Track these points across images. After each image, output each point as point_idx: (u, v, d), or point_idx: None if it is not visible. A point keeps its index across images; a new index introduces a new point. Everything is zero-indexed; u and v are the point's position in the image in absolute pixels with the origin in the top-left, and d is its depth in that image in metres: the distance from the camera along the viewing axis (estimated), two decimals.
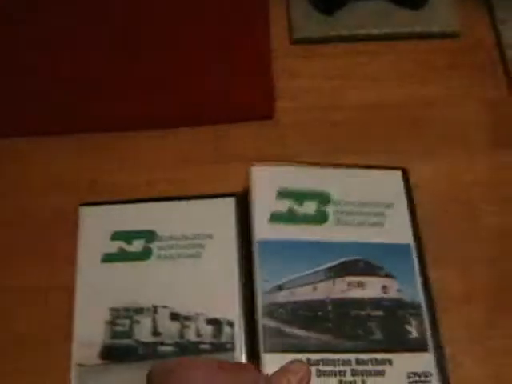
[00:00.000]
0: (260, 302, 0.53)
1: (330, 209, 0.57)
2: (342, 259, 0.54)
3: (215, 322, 0.54)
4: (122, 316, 0.54)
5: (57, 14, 0.68)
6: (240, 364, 0.49)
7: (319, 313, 0.53)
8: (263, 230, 0.55)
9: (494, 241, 0.58)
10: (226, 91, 0.64)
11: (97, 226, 0.57)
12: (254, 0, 0.68)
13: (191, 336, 0.53)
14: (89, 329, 0.54)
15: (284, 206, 0.56)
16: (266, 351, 0.51)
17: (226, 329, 0.53)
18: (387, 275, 0.54)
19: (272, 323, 0.52)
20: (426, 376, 0.51)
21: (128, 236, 0.57)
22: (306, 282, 0.54)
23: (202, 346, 0.53)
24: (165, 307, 0.54)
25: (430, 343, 0.52)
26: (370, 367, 0.51)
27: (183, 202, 0.58)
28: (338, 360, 0.51)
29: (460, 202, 0.59)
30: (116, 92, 0.65)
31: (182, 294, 0.55)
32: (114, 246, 0.57)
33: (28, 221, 0.59)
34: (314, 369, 0.50)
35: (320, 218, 0.56)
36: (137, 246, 0.57)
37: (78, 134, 0.63)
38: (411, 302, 0.53)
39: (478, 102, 0.64)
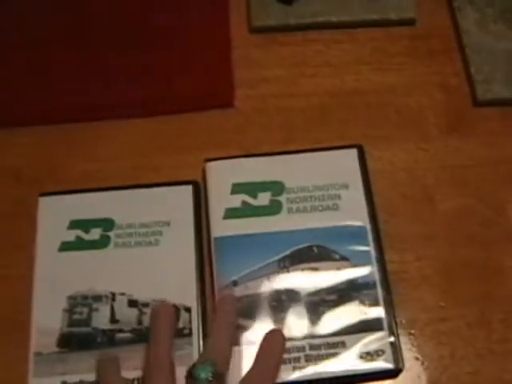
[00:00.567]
0: (217, 298, 0.53)
1: (283, 198, 0.57)
2: (295, 247, 0.55)
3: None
4: (80, 304, 0.54)
5: None
6: None
7: (273, 303, 0.53)
8: (218, 227, 0.56)
9: (449, 224, 0.59)
10: (185, 80, 0.64)
11: (55, 215, 0.58)
12: None
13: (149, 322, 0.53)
14: (47, 317, 0.54)
15: (238, 200, 0.57)
16: None
17: (184, 314, 0.54)
18: (342, 258, 0.55)
19: None
20: (379, 355, 0.51)
21: (85, 224, 0.57)
22: (260, 274, 0.54)
23: None
24: (122, 294, 0.55)
25: (385, 322, 0.53)
26: (322, 351, 0.51)
27: (141, 190, 0.59)
28: (292, 348, 0.52)
29: (416, 186, 0.60)
30: (75, 82, 0.65)
31: (139, 281, 0.55)
32: (72, 235, 0.57)
33: None
34: None
35: (274, 209, 0.57)
36: (94, 234, 0.57)
37: (37, 126, 0.63)
38: (366, 284, 0.54)
39: (434, 89, 0.65)
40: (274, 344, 0.51)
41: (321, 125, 0.63)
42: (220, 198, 0.57)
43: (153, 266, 0.56)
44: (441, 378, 0.53)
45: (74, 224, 0.57)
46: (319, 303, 0.53)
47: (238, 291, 0.54)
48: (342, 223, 0.56)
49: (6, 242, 0.58)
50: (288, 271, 0.54)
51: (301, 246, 0.55)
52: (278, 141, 0.62)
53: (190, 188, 0.58)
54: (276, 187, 0.58)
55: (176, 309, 0.54)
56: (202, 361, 0.47)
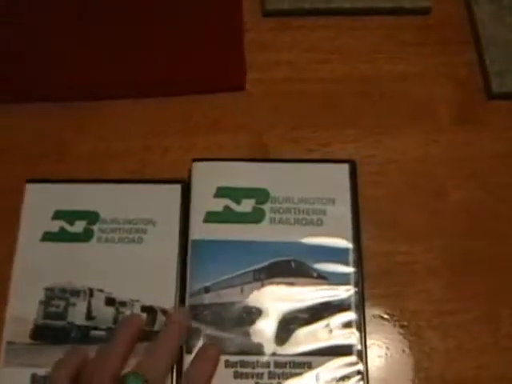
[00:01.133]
0: (186, 303, 0.53)
1: (267, 207, 0.56)
2: (273, 260, 0.54)
3: (150, 310, 0.53)
4: (57, 297, 0.54)
5: None
6: None
7: (243, 315, 0.52)
8: (197, 229, 0.55)
9: (458, 216, 0.58)
10: (198, 62, 0.63)
11: (40, 203, 0.57)
12: None
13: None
14: (22, 307, 0.53)
15: (221, 204, 0.56)
16: (186, 352, 0.51)
17: (161, 317, 0.53)
18: (319, 276, 0.53)
19: (195, 324, 0.52)
20: (344, 381, 0.50)
21: (70, 216, 0.56)
22: (233, 283, 0.53)
23: None
24: (101, 291, 0.54)
25: (355, 348, 0.51)
26: (287, 370, 0.51)
27: (129, 186, 0.58)
28: (256, 362, 0.51)
29: (427, 177, 0.59)
30: (86, 60, 0.64)
31: (119, 279, 0.54)
32: (56, 225, 0.56)
33: None
34: (231, 371, 0.51)
35: (256, 217, 0.56)
36: (78, 226, 0.56)
37: (47, 103, 0.62)
38: (340, 306, 0.53)
39: (447, 80, 0.64)
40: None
41: (332, 111, 0.62)
42: (202, 200, 0.56)
43: (134, 264, 0.55)
44: (446, 370, 0.53)
45: (59, 214, 0.56)
46: (290, 320, 0.52)
47: (209, 298, 0.53)
48: (325, 240, 0.55)
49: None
50: (263, 283, 0.53)
51: (279, 259, 0.54)
52: (289, 126, 0.62)
53: (178, 187, 0.57)
54: (261, 195, 0.56)
55: (153, 311, 0.53)
56: (134, 372, 0.47)
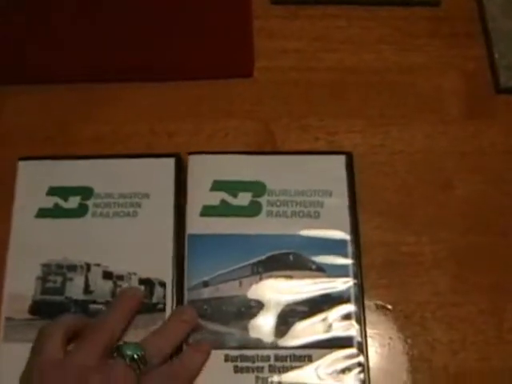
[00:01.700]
0: (185, 298, 0.53)
1: (264, 200, 0.56)
2: (271, 253, 0.54)
3: (148, 282, 0.54)
4: (54, 272, 0.54)
5: None
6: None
7: (242, 309, 0.52)
8: (194, 223, 0.55)
9: (465, 209, 0.58)
10: (207, 48, 0.63)
11: (34, 180, 0.57)
12: None
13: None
14: (20, 283, 0.54)
15: (217, 198, 0.56)
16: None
17: (158, 289, 0.54)
18: (318, 269, 0.54)
19: None
20: (345, 373, 0.51)
21: (64, 192, 0.56)
22: (232, 277, 0.53)
23: None
24: (98, 265, 0.54)
25: (355, 340, 0.52)
26: (288, 363, 0.51)
27: (122, 161, 0.58)
28: (256, 356, 0.51)
29: (434, 169, 0.60)
30: (94, 43, 0.63)
31: (115, 253, 0.55)
32: (50, 202, 0.56)
33: None
34: (231, 365, 0.51)
35: (253, 210, 0.55)
36: (73, 202, 0.56)
37: (53, 84, 0.62)
38: (339, 298, 0.53)
39: (456, 72, 0.63)
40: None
41: (339, 100, 0.62)
42: (199, 194, 0.56)
43: (130, 237, 0.55)
44: (450, 362, 0.53)
45: (53, 191, 0.56)
46: (289, 313, 0.52)
47: (208, 292, 0.53)
48: (322, 233, 0.55)
49: None
50: (261, 277, 0.53)
51: (277, 252, 0.54)
52: (296, 114, 0.62)
53: (172, 161, 0.57)
54: (257, 188, 0.56)
55: (151, 283, 0.53)
56: (133, 343, 0.48)
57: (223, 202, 0.55)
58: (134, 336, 0.50)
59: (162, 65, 0.63)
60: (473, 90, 0.63)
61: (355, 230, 0.55)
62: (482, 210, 0.58)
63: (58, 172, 0.57)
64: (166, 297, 0.53)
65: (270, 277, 0.53)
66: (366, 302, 0.54)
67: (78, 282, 0.54)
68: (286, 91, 0.62)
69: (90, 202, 0.56)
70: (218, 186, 0.56)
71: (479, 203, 0.58)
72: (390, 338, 0.54)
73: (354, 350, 0.51)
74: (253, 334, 0.52)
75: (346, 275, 0.53)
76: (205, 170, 0.57)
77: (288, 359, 0.51)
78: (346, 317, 0.52)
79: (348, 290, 0.53)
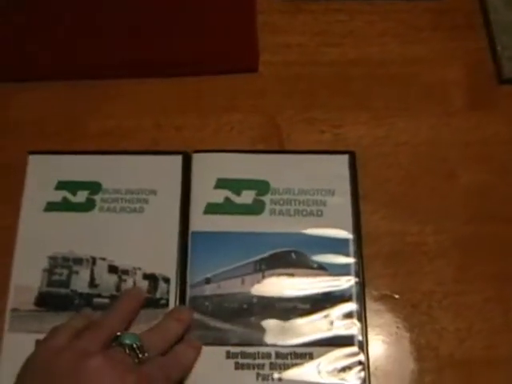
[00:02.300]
0: (188, 294, 0.53)
1: (267, 198, 0.56)
2: (274, 251, 0.54)
3: (152, 278, 0.54)
4: (60, 265, 0.55)
5: None
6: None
7: (244, 306, 0.53)
8: (198, 221, 0.55)
9: (469, 199, 0.59)
10: (212, 43, 0.64)
11: (43, 174, 0.58)
12: None
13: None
14: (26, 275, 0.54)
15: (221, 196, 0.56)
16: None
17: (162, 285, 0.54)
18: (320, 267, 0.54)
19: (196, 316, 0.53)
20: (345, 371, 0.51)
21: (73, 186, 0.57)
22: (234, 274, 0.54)
23: None
24: (103, 259, 0.55)
25: (356, 338, 0.52)
26: (289, 360, 0.51)
27: (131, 157, 0.58)
28: (258, 353, 0.51)
29: (438, 160, 0.60)
30: (98, 39, 0.64)
31: (121, 248, 0.55)
32: (58, 196, 0.57)
33: None
34: (232, 362, 0.51)
35: (257, 209, 0.56)
36: (81, 196, 0.57)
37: (58, 81, 0.63)
38: (341, 296, 0.53)
39: (459, 64, 0.64)
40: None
41: (344, 94, 0.63)
42: (203, 192, 0.56)
43: (136, 233, 0.56)
44: (457, 350, 0.53)
45: (62, 185, 0.57)
46: (291, 311, 0.53)
47: (210, 289, 0.53)
48: (325, 231, 0.55)
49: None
50: (263, 274, 0.54)
51: (279, 250, 0.54)
52: (301, 107, 0.62)
53: (179, 158, 0.58)
54: (261, 186, 0.57)
55: (155, 278, 0.54)
56: (131, 333, 0.49)
57: (227, 199, 0.56)
58: (136, 330, 0.51)
59: (168, 60, 0.63)
60: (476, 81, 0.63)
61: (357, 229, 0.55)
62: (486, 199, 0.59)
63: (67, 167, 0.58)
64: (170, 292, 0.54)
65: (273, 274, 0.54)
66: (373, 292, 0.54)
67: (84, 275, 0.54)
68: (291, 85, 0.63)
69: (97, 197, 0.57)
70: (221, 183, 0.56)
71: (483, 193, 0.59)
72: (398, 327, 0.54)
73: (355, 349, 0.52)
74: (254, 331, 0.52)
75: (348, 274, 0.54)
76: (209, 167, 0.57)
77: (289, 357, 0.51)
78: (348, 315, 0.53)
79: (350, 288, 0.53)
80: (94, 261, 0.55)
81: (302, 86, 0.63)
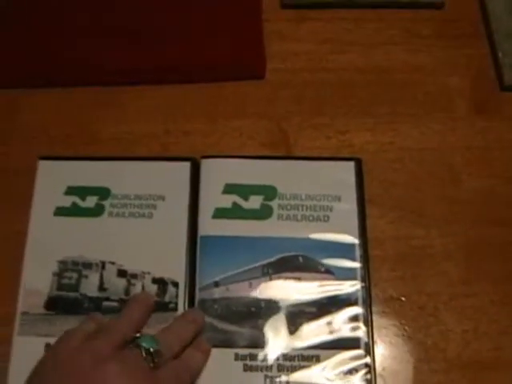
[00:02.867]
0: (196, 297, 0.54)
1: (275, 203, 0.57)
2: (281, 255, 0.55)
3: (161, 282, 0.55)
4: (70, 269, 0.55)
5: None
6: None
7: (252, 309, 0.53)
8: (206, 225, 0.56)
9: (474, 203, 0.60)
10: (220, 51, 0.65)
11: (53, 179, 0.58)
12: None
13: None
14: (36, 279, 0.55)
15: (229, 201, 0.57)
16: None
17: (171, 289, 0.55)
18: (326, 271, 0.55)
19: (205, 318, 0.53)
20: (352, 374, 0.52)
21: (82, 191, 0.58)
22: (242, 278, 0.54)
23: None
24: (112, 263, 0.55)
25: (362, 341, 0.53)
26: (296, 363, 0.52)
27: (139, 162, 0.59)
28: (265, 355, 0.52)
29: (443, 165, 0.61)
30: (110, 47, 0.65)
31: (130, 252, 0.56)
32: (68, 201, 0.58)
33: None
34: (241, 364, 0.52)
35: (264, 214, 0.57)
36: (90, 202, 0.58)
37: (72, 87, 0.64)
38: (347, 300, 0.54)
39: (462, 71, 0.65)
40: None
41: (349, 100, 0.64)
42: (211, 197, 0.57)
43: (144, 238, 0.57)
44: (463, 352, 0.54)
45: (71, 190, 0.58)
46: (298, 314, 0.53)
47: (219, 292, 0.54)
48: (331, 236, 0.56)
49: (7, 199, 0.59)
50: (271, 278, 0.54)
51: (286, 255, 0.55)
52: (307, 113, 0.63)
53: (188, 164, 0.59)
54: (269, 191, 0.57)
55: (164, 282, 0.55)
56: (150, 335, 0.49)
57: (235, 204, 0.57)
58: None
59: (177, 68, 0.64)
60: (479, 88, 0.64)
61: (364, 234, 0.56)
62: (490, 202, 0.60)
63: (76, 172, 0.59)
64: (179, 296, 0.54)
65: (280, 278, 0.54)
66: (380, 295, 0.55)
67: (93, 279, 0.55)
68: (298, 92, 0.64)
69: (106, 202, 0.57)
70: (229, 189, 0.57)
71: (488, 197, 0.60)
72: (405, 329, 0.54)
73: (360, 352, 0.52)
74: (262, 334, 0.53)
75: (354, 278, 0.54)
76: (217, 173, 0.58)
77: (296, 359, 0.52)
78: (354, 319, 0.53)
79: (355, 292, 0.54)
80: (103, 265, 0.55)
81: (309, 93, 0.64)
